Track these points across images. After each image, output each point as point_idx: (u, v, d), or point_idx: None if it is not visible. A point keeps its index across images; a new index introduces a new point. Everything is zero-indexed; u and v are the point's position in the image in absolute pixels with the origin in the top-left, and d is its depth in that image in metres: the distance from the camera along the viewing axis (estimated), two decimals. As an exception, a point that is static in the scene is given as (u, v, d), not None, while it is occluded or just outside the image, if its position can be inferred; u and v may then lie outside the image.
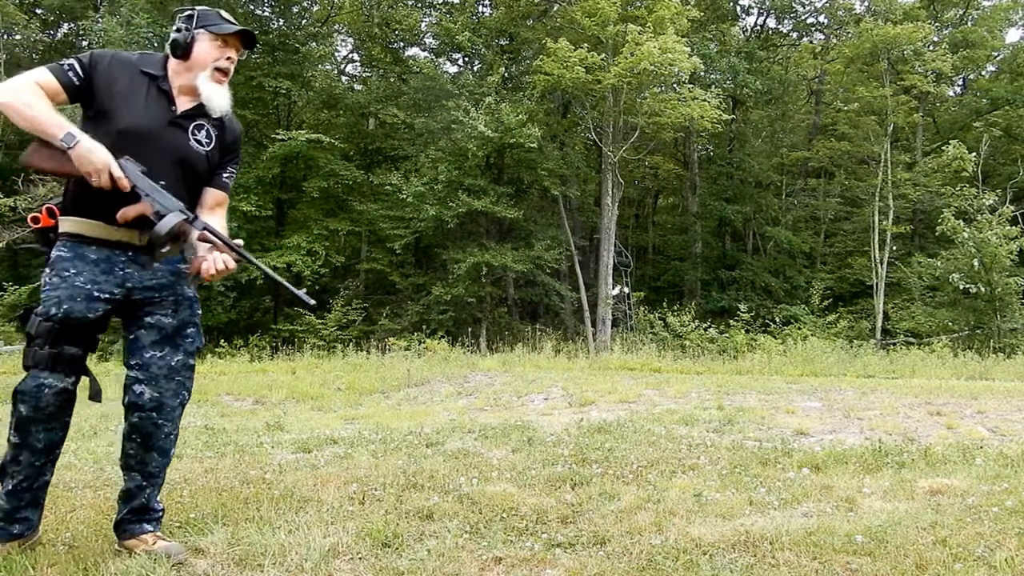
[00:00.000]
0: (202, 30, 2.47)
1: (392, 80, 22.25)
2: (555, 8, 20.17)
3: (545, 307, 22.13)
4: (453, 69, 21.99)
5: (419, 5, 22.63)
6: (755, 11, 26.07)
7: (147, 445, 2.51)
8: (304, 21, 22.07)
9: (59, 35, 24.88)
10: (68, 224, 2.42)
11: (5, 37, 21.23)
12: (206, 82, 2.47)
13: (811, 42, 26.92)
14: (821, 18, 25.76)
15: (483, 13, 21.93)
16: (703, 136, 24.17)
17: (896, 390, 8.03)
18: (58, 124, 2.29)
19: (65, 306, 2.35)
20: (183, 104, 2.49)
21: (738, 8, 25.63)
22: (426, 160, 18.90)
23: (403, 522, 2.84)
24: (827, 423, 5.68)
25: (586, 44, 17.46)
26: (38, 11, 22.82)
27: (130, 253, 2.45)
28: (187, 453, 4.41)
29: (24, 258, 21.81)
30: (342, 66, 25.24)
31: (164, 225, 2.29)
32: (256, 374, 10.59)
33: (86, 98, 2.41)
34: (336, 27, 22.97)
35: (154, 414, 2.50)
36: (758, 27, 26.71)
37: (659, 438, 4.70)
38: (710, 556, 2.47)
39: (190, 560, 2.46)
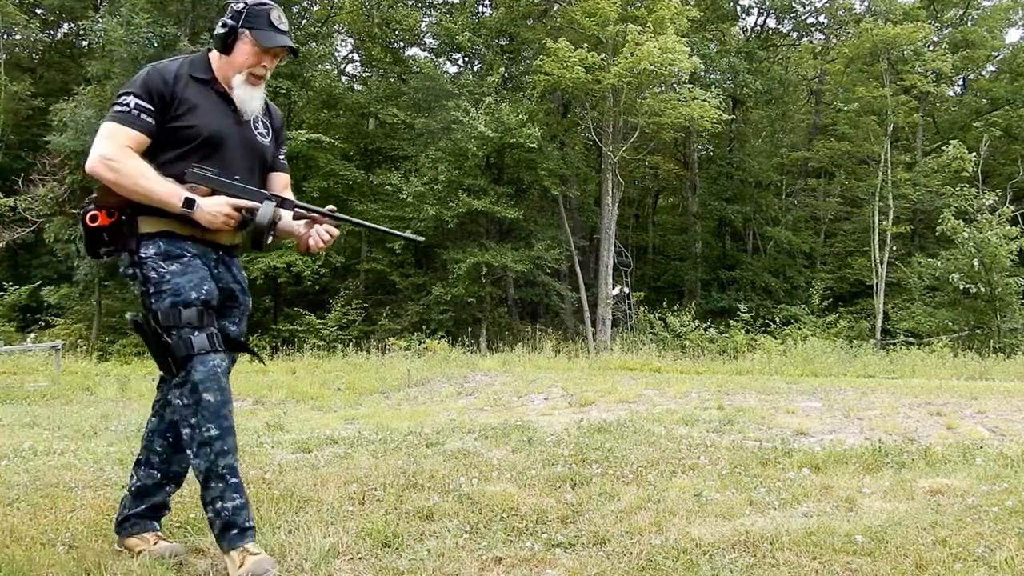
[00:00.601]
0: (247, 31, 2.42)
1: (392, 80, 22.25)
2: (555, 8, 20.17)
3: (545, 307, 22.13)
4: (453, 69, 22.00)
5: (419, 5, 22.63)
6: (755, 11, 26.09)
7: (179, 446, 2.48)
8: (304, 21, 22.06)
9: (59, 35, 24.89)
10: (154, 223, 2.36)
11: (5, 37, 21.24)
12: (242, 84, 2.46)
13: (811, 42, 26.92)
14: (821, 18, 25.78)
15: (483, 13, 21.92)
16: (703, 136, 24.17)
17: (896, 390, 8.03)
18: (174, 194, 2.29)
19: (205, 287, 2.35)
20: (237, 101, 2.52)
21: (738, 8, 25.63)
22: (426, 160, 18.90)
23: (403, 522, 2.84)
24: (827, 423, 5.68)
25: (586, 44, 17.46)
26: (38, 11, 22.84)
27: (220, 253, 2.48)
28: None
29: (24, 258, 21.81)
30: (342, 66, 25.25)
31: (264, 215, 2.35)
32: (256, 374, 10.59)
33: (159, 123, 2.38)
34: (336, 27, 22.97)
35: None
36: (758, 27, 26.72)
37: (659, 438, 4.70)
38: (710, 556, 2.46)
39: (190, 560, 2.46)
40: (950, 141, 19.87)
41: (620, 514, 2.96)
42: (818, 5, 25.07)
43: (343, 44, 24.87)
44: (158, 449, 2.52)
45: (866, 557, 2.44)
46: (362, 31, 22.12)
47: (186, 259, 2.35)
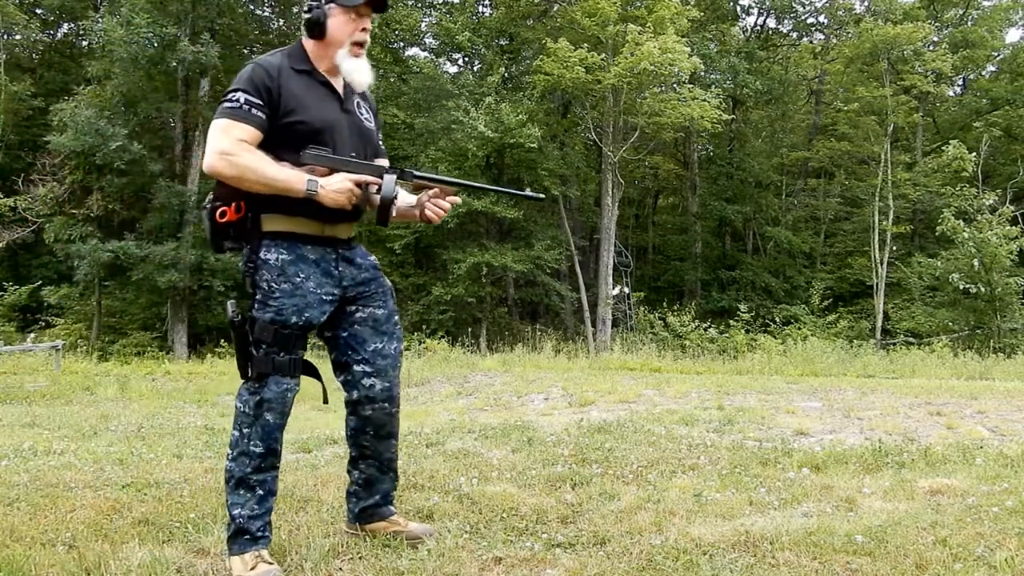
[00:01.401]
0: (332, 5, 2.38)
1: (392, 80, 22.25)
2: (555, 8, 20.17)
3: (545, 307, 22.13)
4: (453, 69, 22.01)
5: (419, 5, 22.64)
6: (755, 11, 26.11)
7: (381, 435, 2.57)
8: (304, 21, 22.04)
9: (59, 35, 24.89)
10: (277, 222, 2.37)
11: (5, 37, 21.24)
12: (346, 58, 2.42)
13: (811, 42, 26.92)
14: (821, 18, 25.80)
15: (483, 13, 21.93)
16: (703, 136, 24.17)
17: (896, 390, 8.03)
18: (296, 178, 2.28)
19: (307, 314, 2.36)
20: (339, 87, 2.48)
21: (738, 8, 25.64)
22: (426, 160, 18.89)
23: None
24: (827, 423, 5.68)
25: (586, 44, 17.47)
26: (38, 11, 22.82)
27: (340, 250, 2.48)
28: (187, 453, 4.41)
29: (24, 258, 21.81)
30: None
31: (388, 187, 2.35)
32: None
33: (269, 118, 2.36)
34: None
35: (386, 404, 2.55)
36: (758, 27, 26.73)
37: (659, 438, 4.70)
38: (710, 556, 2.46)
39: (190, 560, 2.46)
40: (950, 141, 19.87)
41: (620, 514, 2.96)
42: (818, 5, 25.10)
43: (343, 44, 24.85)
44: (365, 444, 2.59)
45: (866, 557, 2.44)
46: (362, 31, 22.11)
47: (299, 279, 2.36)
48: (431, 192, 2.49)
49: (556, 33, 18.91)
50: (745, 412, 6.10)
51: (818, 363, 12.08)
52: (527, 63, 20.70)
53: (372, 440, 2.57)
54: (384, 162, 2.64)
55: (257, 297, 2.36)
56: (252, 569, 2.26)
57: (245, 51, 21.89)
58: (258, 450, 2.34)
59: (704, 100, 18.09)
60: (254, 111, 2.28)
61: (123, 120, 18.18)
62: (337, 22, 2.39)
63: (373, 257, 2.62)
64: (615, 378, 9.59)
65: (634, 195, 26.44)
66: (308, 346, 2.49)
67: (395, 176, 2.38)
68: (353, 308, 2.51)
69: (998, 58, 24.82)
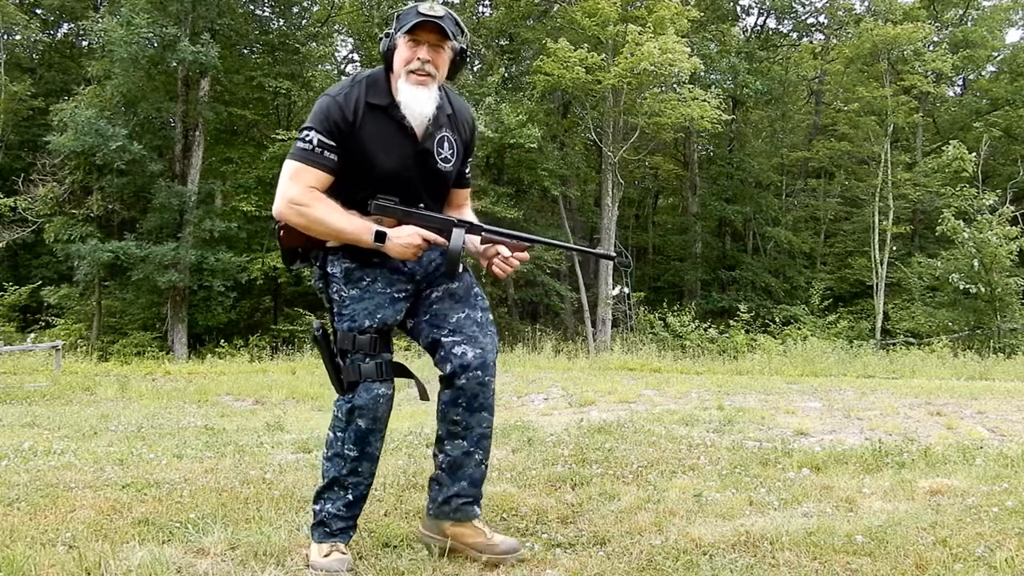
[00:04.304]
0: (399, 33, 2.30)
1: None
2: (555, 8, 20.18)
3: (545, 307, 22.13)
4: (453, 69, 21.96)
5: (419, 5, 22.61)
6: (755, 11, 26.13)
7: (473, 406, 2.43)
8: (304, 21, 22.09)
9: (59, 35, 24.90)
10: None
11: (5, 37, 21.24)
12: (403, 87, 2.30)
13: (811, 42, 26.94)
14: (821, 18, 25.82)
15: (483, 13, 21.94)
16: (703, 136, 24.19)
17: (896, 390, 8.03)
18: (364, 230, 2.27)
19: (379, 315, 2.36)
20: (416, 122, 2.35)
21: (738, 8, 25.67)
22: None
23: (403, 522, 2.84)
24: (827, 423, 5.68)
25: (586, 44, 17.47)
26: (38, 11, 22.84)
27: None
28: (187, 453, 4.40)
29: (24, 258, 21.82)
30: (342, 66, 25.27)
31: (456, 243, 2.32)
32: (256, 374, 10.60)
33: (341, 156, 2.32)
34: (336, 27, 22.99)
35: (479, 372, 2.41)
36: (758, 27, 26.74)
37: (659, 438, 4.70)
38: (710, 556, 2.46)
39: (190, 560, 2.46)
40: (950, 141, 19.89)
41: (620, 514, 2.96)
42: (818, 5, 25.12)
43: (343, 44, 24.91)
44: (456, 418, 2.45)
45: (866, 557, 2.44)
46: (362, 31, 22.11)
47: (366, 283, 2.36)
48: (501, 246, 2.41)
49: (556, 33, 18.91)
50: (745, 412, 6.10)
51: (818, 363, 12.08)
52: (527, 63, 20.71)
53: (463, 413, 2.43)
54: (461, 194, 2.57)
55: (333, 310, 2.39)
56: (326, 556, 2.33)
57: (245, 51, 21.91)
58: (352, 454, 2.38)
59: (704, 100, 18.09)
60: (326, 153, 2.26)
61: (123, 120, 18.19)
62: (400, 52, 2.31)
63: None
64: (615, 378, 9.59)
65: (634, 195, 26.45)
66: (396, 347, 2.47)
67: (464, 231, 2.35)
68: (428, 291, 2.47)
69: (998, 58, 24.83)
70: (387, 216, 2.30)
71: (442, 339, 2.43)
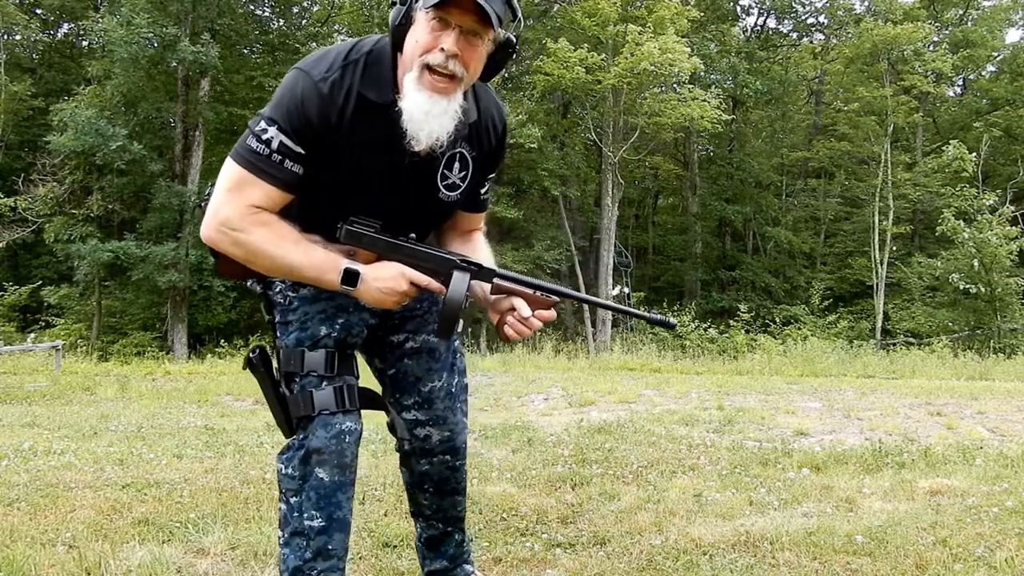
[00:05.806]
0: (420, 4, 1.57)
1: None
2: (555, 8, 20.18)
3: (545, 307, 22.09)
4: (453, 69, 21.96)
5: (419, 5, 22.62)
6: (755, 11, 26.14)
7: (443, 491, 2.01)
8: (304, 21, 22.08)
9: (59, 35, 24.89)
10: None
11: (5, 37, 21.24)
12: (412, 89, 1.58)
13: (811, 42, 26.94)
14: (821, 18, 25.82)
15: (483, 13, 21.90)
16: (703, 136, 24.19)
17: (896, 390, 8.03)
18: (329, 266, 1.63)
19: (340, 320, 1.76)
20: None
21: (738, 8, 25.67)
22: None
23: (403, 522, 2.84)
24: (827, 423, 5.68)
25: (586, 44, 17.47)
26: (38, 11, 22.83)
27: None
28: (187, 453, 4.40)
29: (24, 258, 21.82)
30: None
31: (456, 295, 1.68)
32: (256, 374, 10.56)
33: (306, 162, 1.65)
34: (336, 27, 22.96)
35: (448, 457, 1.97)
36: (758, 27, 26.74)
37: (659, 438, 4.70)
38: (710, 556, 2.46)
39: (190, 560, 2.46)
40: (950, 141, 19.90)
41: (620, 514, 2.96)
42: (818, 5, 25.12)
43: (343, 44, 24.84)
44: (424, 502, 2.03)
45: (866, 557, 2.44)
46: (362, 31, 22.13)
47: (318, 296, 1.76)
48: (518, 299, 1.75)
49: (556, 33, 18.92)
50: (745, 412, 6.10)
51: (818, 363, 12.08)
52: (527, 63, 20.71)
53: (432, 498, 2.01)
54: (472, 220, 1.92)
55: (276, 321, 1.79)
56: None
57: (245, 51, 21.90)
58: (316, 524, 1.70)
59: (704, 100, 18.10)
60: (287, 164, 1.60)
61: (123, 120, 18.20)
62: (416, 32, 1.59)
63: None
64: (615, 378, 9.59)
65: (634, 195, 26.44)
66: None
67: (468, 276, 1.70)
68: (402, 334, 1.92)
69: (998, 58, 24.83)
70: (363, 248, 1.67)
71: (403, 414, 1.95)
